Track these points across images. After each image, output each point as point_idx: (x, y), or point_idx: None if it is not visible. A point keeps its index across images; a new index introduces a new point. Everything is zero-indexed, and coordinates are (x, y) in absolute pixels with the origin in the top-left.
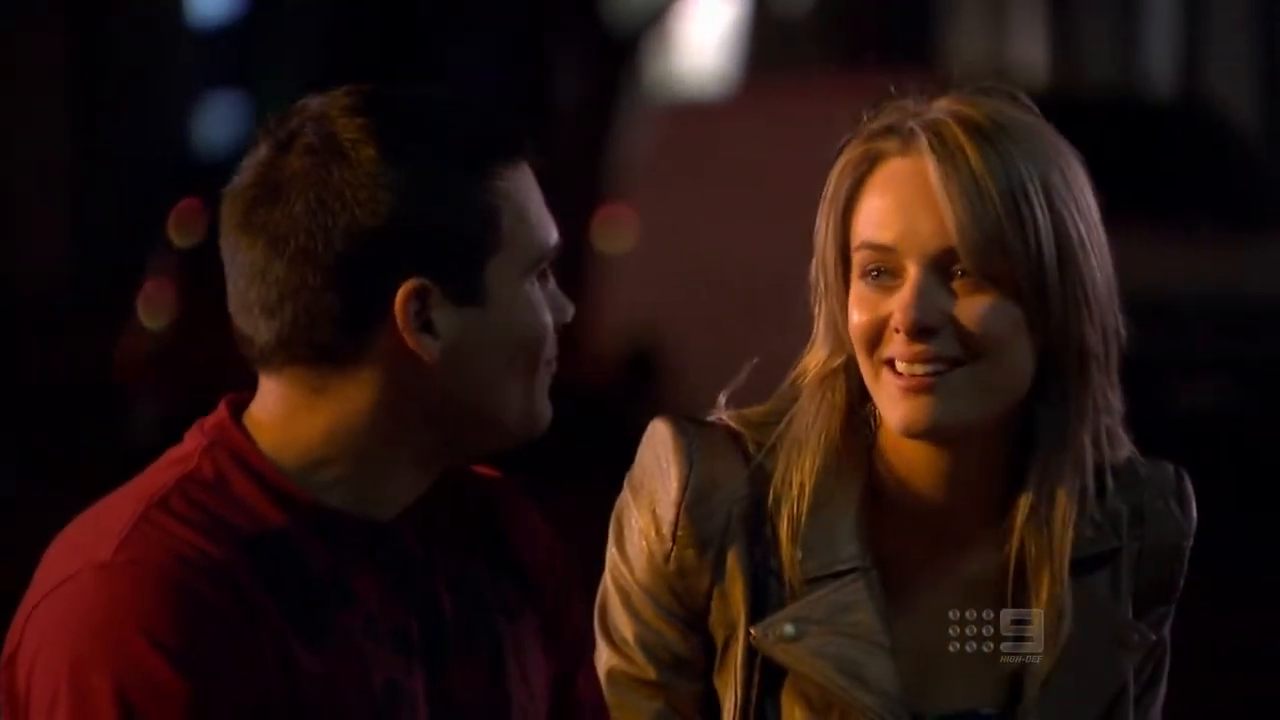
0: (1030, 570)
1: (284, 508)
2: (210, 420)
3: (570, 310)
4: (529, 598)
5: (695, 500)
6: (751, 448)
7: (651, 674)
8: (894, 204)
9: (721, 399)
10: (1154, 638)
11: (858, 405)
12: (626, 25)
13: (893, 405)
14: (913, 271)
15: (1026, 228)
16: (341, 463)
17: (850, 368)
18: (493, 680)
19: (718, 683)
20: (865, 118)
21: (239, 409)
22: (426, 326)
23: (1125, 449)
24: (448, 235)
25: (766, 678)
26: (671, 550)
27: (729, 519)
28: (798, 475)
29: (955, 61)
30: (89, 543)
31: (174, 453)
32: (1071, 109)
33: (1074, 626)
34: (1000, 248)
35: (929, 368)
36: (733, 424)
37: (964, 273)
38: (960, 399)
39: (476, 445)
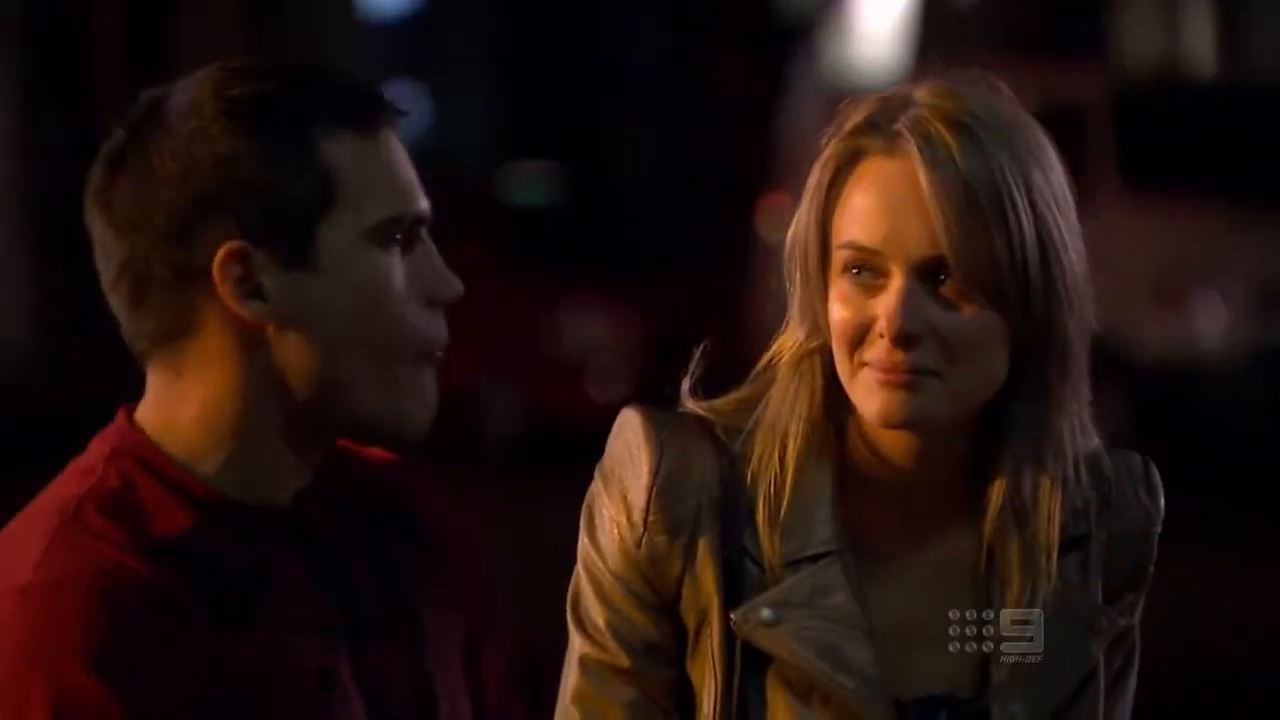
0: (1002, 555)
1: (193, 507)
2: (111, 428)
3: (451, 287)
4: (434, 565)
5: (666, 486)
6: (722, 434)
7: (625, 661)
8: (880, 205)
9: (685, 387)
10: (1123, 623)
11: (832, 388)
12: (798, 12)
13: (869, 396)
14: (898, 276)
15: (1013, 236)
16: (221, 448)
17: (825, 351)
18: (413, 653)
19: (691, 670)
20: (846, 107)
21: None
22: (255, 292)
23: (1094, 439)
24: (268, 197)
25: (747, 663)
26: (643, 536)
27: (700, 505)
28: (777, 458)
29: (1125, 52)
30: (5, 565)
31: (79, 463)
32: (1241, 99)
33: (1045, 610)
34: (988, 257)
35: (904, 369)
36: (703, 412)
37: (948, 280)
38: (936, 399)
39: (341, 435)
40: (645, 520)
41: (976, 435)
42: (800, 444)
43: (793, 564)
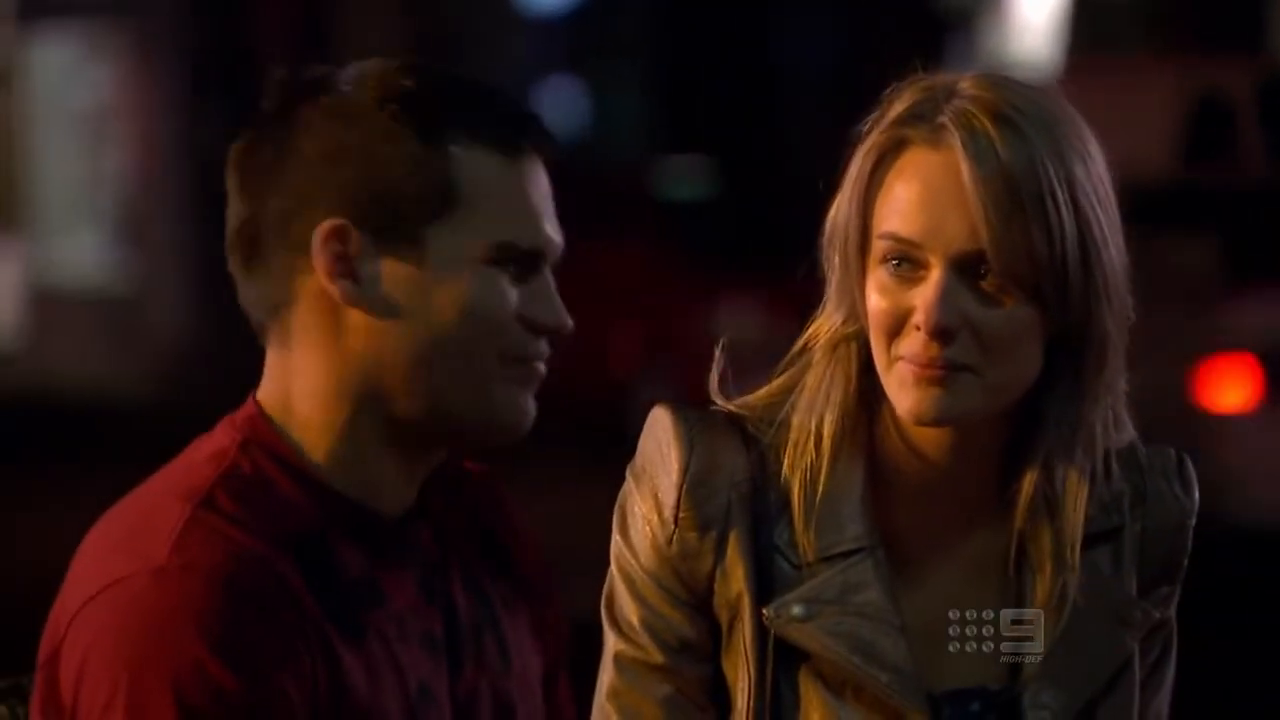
0: (1034, 548)
1: (320, 505)
2: (241, 415)
3: (559, 320)
4: (521, 593)
5: (696, 483)
6: (753, 429)
7: (659, 658)
8: (921, 197)
9: (714, 383)
10: (1157, 615)
11: (866, 375)
12: (957, 4)
13: (902, 391)
14: (936, 269)
15: (1054, 231)
16: (329, 431)
17: (861, 337)
18: (498, 681)
19: (726, 665)
20: (888, 96)
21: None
22: (349, 273)
23: (1129, 432)
24: (381, 186)
25: (780, 658)
26: (674, 533)
27: (730, 500)
28: (812, 446)
29: (1276, 45)
30: (139, 545)
31: (206, 446)
32: None
33: (1076, 601)
34: (1028, 252)
35: (939, 364)
36: (734, 408)
37: (988, 274)
38: (969, 396)
39: (438, 435)
40: (676, 517)
41: (1010, 429)
42: (835, 430)
43: (824, 560)
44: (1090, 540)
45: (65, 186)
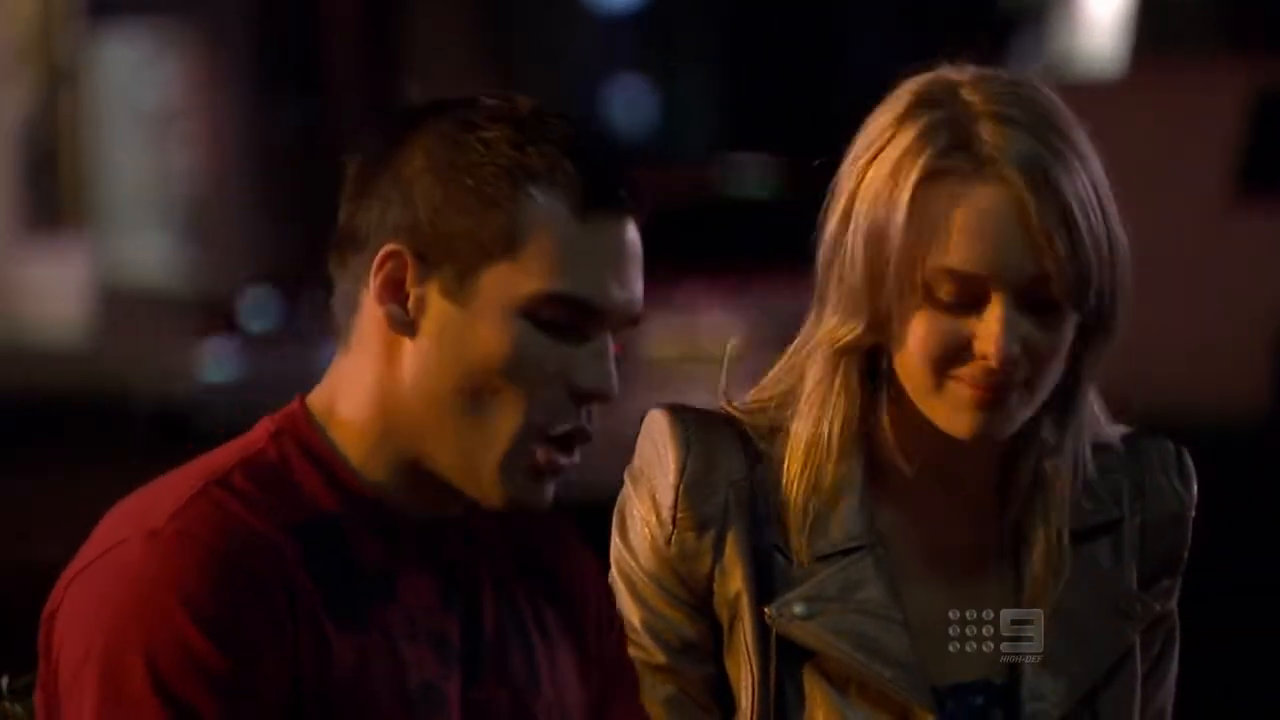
0: (1030, 539)
1: (341, 497)
2: (284, 410)
3: (605, 385)
4: (569, 623)
5: (693, 483)
6: (750, 431)
7: (661, 659)
8: (980, 230)
9: (721, 384)
10: (1158, 609)
11: (866, 380)
12: (1025, 2)
13: (957, 413)
14: (997, 300)
15: (1100, 244)
16: (368, 437)
17: (863, 348)
18: (523, 698)
19: (728, 665)
20: (902, 104)
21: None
22: (400, 300)
23: (1119, 429)
24: (444, 221)
25: (783, 656)
26: (672, 534)
27: (727, 501)
28: (812, 455)
29: None
30: (143, 511)
31: (244, 437)
32: None
33: (1075, 595)
34: (1083, 272)
35: (1003, 394)
36: (732, 409)
37: (1045, 298)
38: (1020, 411)
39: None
40: (674, 518)
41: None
42: (841, 436)
43: (824, 558)
44: (1089, 533)
45: (133, 185)
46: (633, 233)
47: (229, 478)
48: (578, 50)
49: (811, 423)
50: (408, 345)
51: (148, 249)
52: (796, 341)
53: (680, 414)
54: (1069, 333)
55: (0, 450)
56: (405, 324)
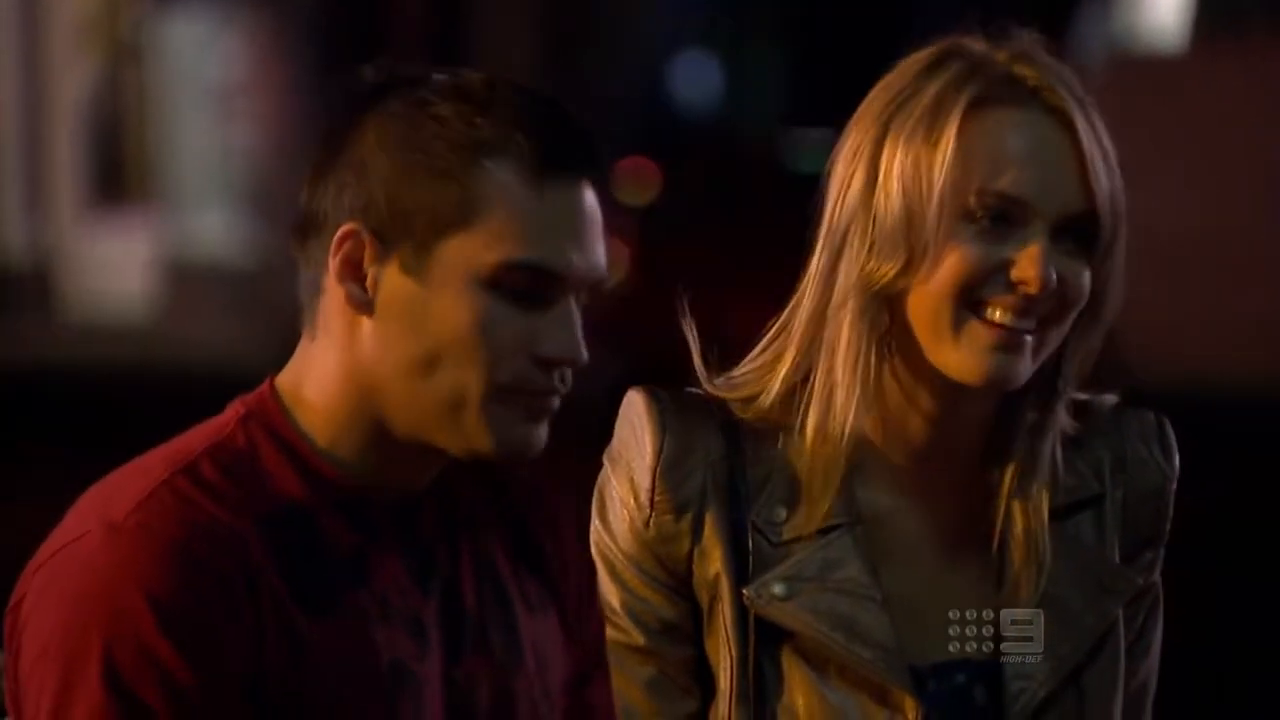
0: (1013, 516)
1: (309, 482)
2: (253, 394)
3: (568, 352)
4: (552, 594)
5: (670, 465)
6: (729, 409)
7: (641, 640)
8: (1026, 157)
9: (697, 364)
10: (1141, 582)
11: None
12: None
13: (972, 356)
14: (1039, 227)
15: (1120, 187)
16: (334, 423)
17: (896, 284)
18: (505, 673)
19: (708, 646)
20: (921, 63)
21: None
22: (359, 279)
23: (1109, 397)
24: (397, 196)
25: (762, 637)
26: (650, 516)
27: (705, 482)
28: (850, 402)
29: None
30: (106, 502)
31: (214, 421)
32: None
33: (1058, 572)
34: (1112, 224)
35: (1030, 323)
36: (712, 388)
37: (1078, 235)
38: (1036, 355)
39: (430, 452)
40: (652, 500)
41: (999, 396)
42: (855, 406)
43: (803, 538)
44: (1071, 509)
45: (197, 161)
46: (590, 198)
47: (195, 467)
48: (642, 24)
49: (851, 376)
50: (368, 324)
51: (211, 225)
52: (783, 317)
53: (657, 395)
54: (1088, 285)
55: (64, 425)
56: (365, 303)
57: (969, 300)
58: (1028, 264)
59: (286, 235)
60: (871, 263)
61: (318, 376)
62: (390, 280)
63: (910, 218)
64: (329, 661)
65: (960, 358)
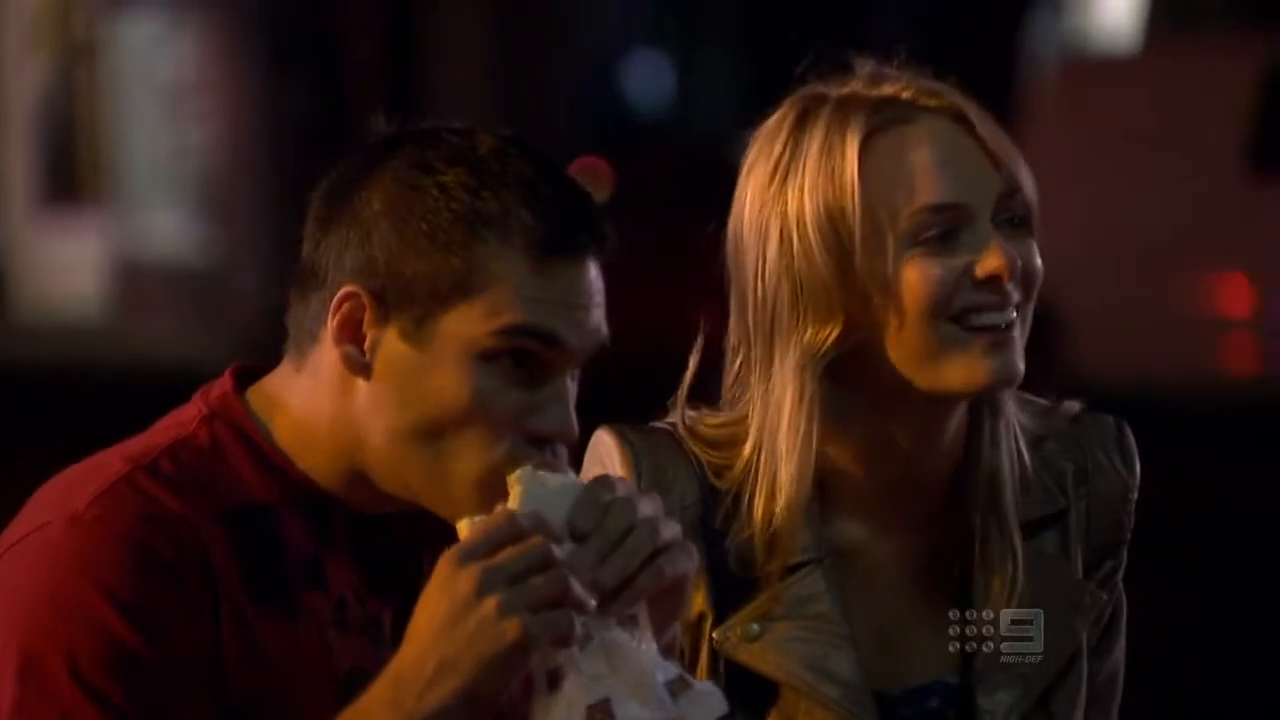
0: (981, 538)
1: (274, 484)
2: (214, 390)
3: (564, 426)
4: None
5: None
6: (699, 450)
7: None
8: (942, 163)
9: (681, 394)
10: (1105, 597)
11: (822, 396)
12: None
13: (971, 365)
14: (982, 221)
15: (1024, 163)
16: (310, 451)
17: (839, 343)
18: None
19: None
20: (789, 121)
21: (245, 380)
22: (357, 341)
23: (1072, 404)
24: (398, 265)
25: (733, 678)
26: None
27: (682, 525)
28: (769, 474)
29: None
30: (67, 494)
31: (176, 414)
32: None
33: (1025, 591)
34: (1031, 186)
35: (1010, 316)
36: (682, 427)
37: (1010, 218)
38: (1021, 352)
39: (407, 500)
40: None
41: (964, 414)
42: (797, 462)
43: (773, 574)
44: (1035, 525)
45: (149, 160)
46: (593, 273)
47: (155, 463)
48: (591, 24)
49: (792, 447)
50: (362, 385)
51: (164, 224)
52: (732, 390)
53: (627, 435)
54: (1039, 259)
55: (18, 425)
56: (361, 366)
57: (947, 316)
58: (991, 258)
59: (240, 237)
60: (809, 332)
61: (302, 408)
62: (389, 346)
63: (839, 273)
64: (285, 662)
65: (960, 371)
